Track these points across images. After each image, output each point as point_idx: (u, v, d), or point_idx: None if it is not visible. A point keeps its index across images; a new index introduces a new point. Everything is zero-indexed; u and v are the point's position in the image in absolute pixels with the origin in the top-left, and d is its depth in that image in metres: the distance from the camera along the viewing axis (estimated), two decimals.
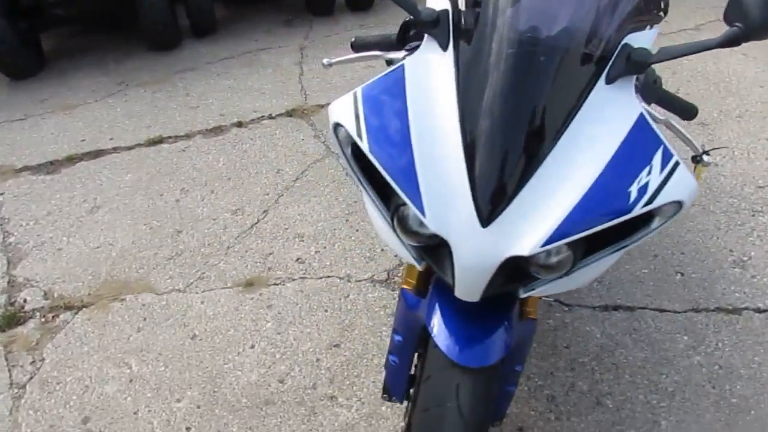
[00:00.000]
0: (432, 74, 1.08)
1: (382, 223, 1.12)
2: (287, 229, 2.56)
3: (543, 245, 0.95)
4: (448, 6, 1.12)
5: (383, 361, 1.95)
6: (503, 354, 1.15)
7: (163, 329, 2.14)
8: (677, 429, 1.69)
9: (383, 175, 1.02)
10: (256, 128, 3.31)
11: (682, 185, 0.97)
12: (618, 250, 1.03)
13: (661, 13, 1.29)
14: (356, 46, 1.44)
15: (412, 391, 1.40)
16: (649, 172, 0.97)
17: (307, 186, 2.82)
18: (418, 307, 1.27)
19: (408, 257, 1.11)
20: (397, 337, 1.35)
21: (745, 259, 2.19)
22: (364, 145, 1.03)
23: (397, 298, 2.16)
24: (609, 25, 1.05)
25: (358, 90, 1.08)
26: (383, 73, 1.10)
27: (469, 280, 1.01)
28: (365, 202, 1.32)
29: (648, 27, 1.11)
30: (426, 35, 1.12)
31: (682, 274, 2.15)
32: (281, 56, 4.10)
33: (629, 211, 0.96)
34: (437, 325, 1.17)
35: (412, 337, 1.31)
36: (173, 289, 2.31)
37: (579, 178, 0.98)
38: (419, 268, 1.11)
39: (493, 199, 0.97)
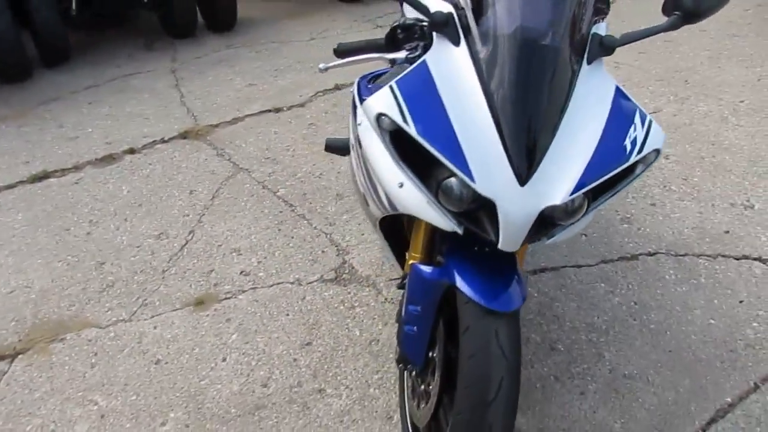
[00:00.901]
0: (453, 66, 1.25)
1: (420, 199, 1.27)
2: (220, 245, 2.55)
3: (571, 194, 1.18)
4: (451, 8, 1.30)
5: (357, 350, 2.06)
6: (523, 298, 1.36)
7: (120, 360, 2.03)
8: (618, 357, 2.02)
9: (432, 152, 1.17)
10: (152, 153, 3.20)
11: (658, 136, 1.26)
12: (614, 194, 1.30)
13: (607, 8, 1.60)
14: (340, 52, 1.55)
15: (432, 354, 1.55)
16: (635, 129, 1.25)
17: (226, 203, 2.81)
18: (437, 275, 1.43)
19: (448, 224, 1.27)
20: (414, 308, 1.49)
21: (629, 216, 2.64)
22: (411, 130, 1.18)
23: (348, 293, 2.29)
24: (583, 20, 1.31)
25: (393, 84, 1.23)
26: (408, 69, 1.26)
27: (512, 233, 1.21)
28: (381, 191, 1.44)
29: (602, 20, 1.40)
30: (436, 34, 1.30)
31: (586, 236, 2.54)
32: (154, 80, 3.98)
33: (628, 160, 1.23)
34: (465, 282, 1.33)
35: (432, 305, 1.46)
36: (118, 320, 2.19)
37: (587, 140, 1.22)
38: (459, 231, 1.28)
39: (525, 164, 1.18)
